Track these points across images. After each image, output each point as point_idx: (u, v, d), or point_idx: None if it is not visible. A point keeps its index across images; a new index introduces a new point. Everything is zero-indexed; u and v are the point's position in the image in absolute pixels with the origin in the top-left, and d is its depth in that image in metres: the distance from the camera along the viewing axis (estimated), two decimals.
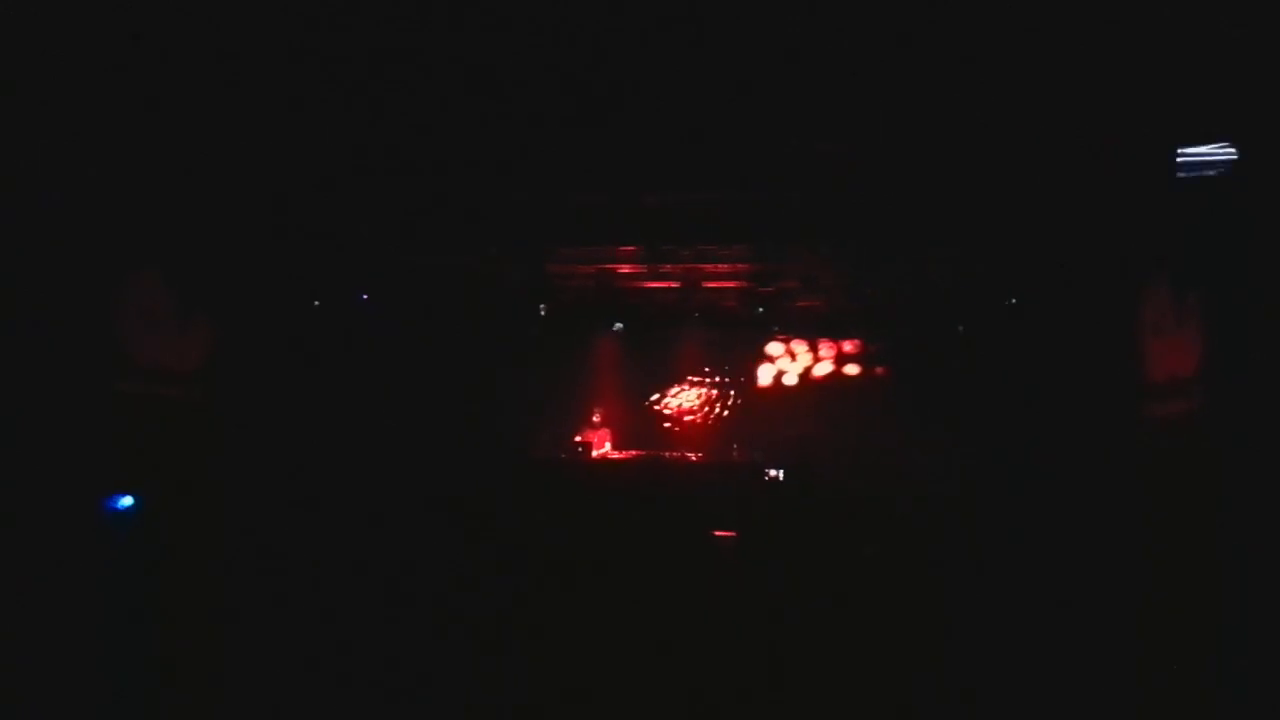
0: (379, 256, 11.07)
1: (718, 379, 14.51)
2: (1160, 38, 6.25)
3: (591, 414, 14.12)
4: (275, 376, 9.17)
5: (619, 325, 13.87)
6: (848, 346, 13.80)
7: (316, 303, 11.10)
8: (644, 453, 13.93)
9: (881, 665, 6.77)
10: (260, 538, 7.79)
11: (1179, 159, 6.94)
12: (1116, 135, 7.07)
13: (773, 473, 11.98)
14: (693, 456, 13.62)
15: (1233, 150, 6.70)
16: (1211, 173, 6.82)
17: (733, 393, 14.40)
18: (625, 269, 12.33)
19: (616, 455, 13.95)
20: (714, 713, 6.50)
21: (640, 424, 14.45)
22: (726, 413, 14.37)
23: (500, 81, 7.49)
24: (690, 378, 14.57)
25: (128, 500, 7.10)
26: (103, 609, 6.37)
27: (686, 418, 14.53)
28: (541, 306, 12.98)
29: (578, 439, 13.55)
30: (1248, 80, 6.16)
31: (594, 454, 13.51)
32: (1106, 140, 7.15)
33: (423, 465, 10.82)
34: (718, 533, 9.91)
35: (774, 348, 14.11)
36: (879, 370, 13.49)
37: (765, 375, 14.21)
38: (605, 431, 14.08)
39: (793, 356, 14.08)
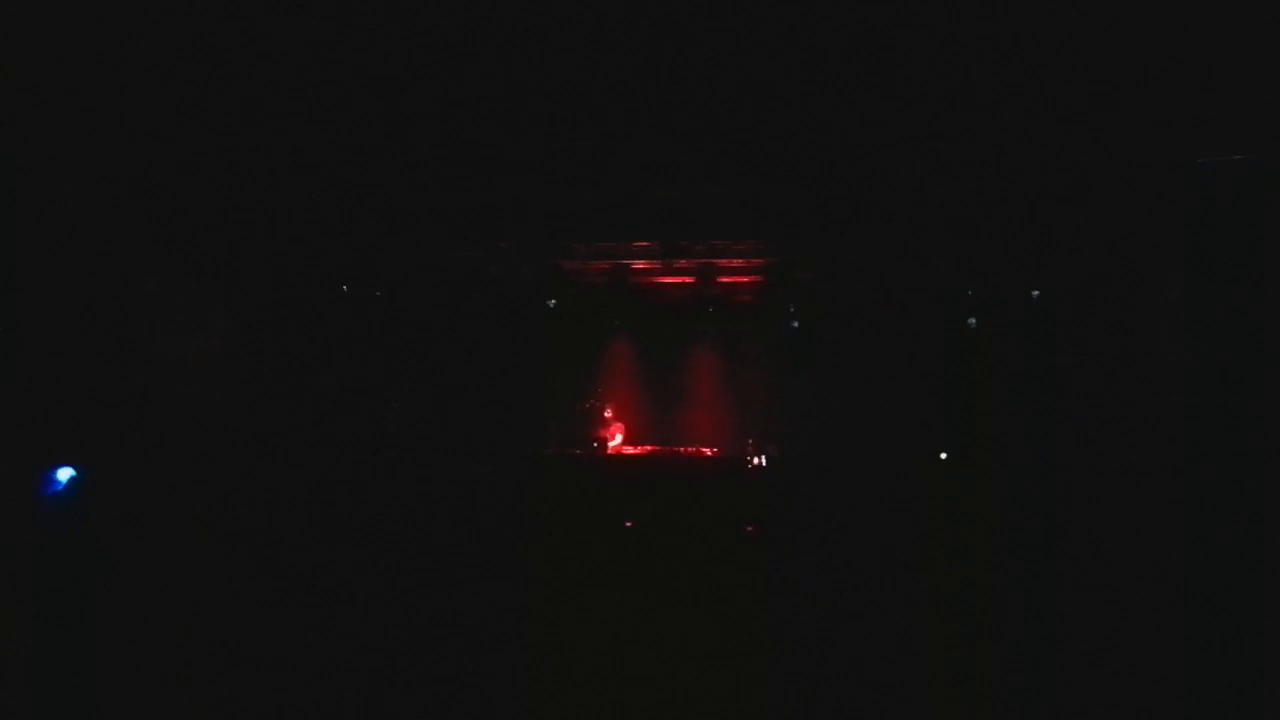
0: (387, 251, 11.08)
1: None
2: (1168, 35, 6.15)
3: (604, 410, 14.15)
4: (279, 374, 9.19)
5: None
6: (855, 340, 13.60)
7: (321, 299, 11.10)
8: (658, 448, 13.93)
9: (890, 665, 6.73)
10: (261, 536, 7.82)
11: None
12: (1122, 134, 6.98)
13: (756, 460, 12.09)
14: (708, 451, 13.58)
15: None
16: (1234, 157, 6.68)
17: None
18: (639, 264, 12.30)
19: (631, 450, 13.95)
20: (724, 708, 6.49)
21: (653, 419, 14.43)
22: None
23: (507, 77, 7.49)
24: None
25: (68, 472, 6.56)
26: (98, 609, 6.41)
27: None
28: (551, 301, 12.97)
29: (593, 435, 13.57)
30: (1255, 78, 6.06)
31: (609, 448, 13.55)
32: (1112, 139, 7.05)
33: (436, 462, 10.83)
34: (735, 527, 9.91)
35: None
36: (889, 364, 13.29)
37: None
38: (619, 425, 14.10)
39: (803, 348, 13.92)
